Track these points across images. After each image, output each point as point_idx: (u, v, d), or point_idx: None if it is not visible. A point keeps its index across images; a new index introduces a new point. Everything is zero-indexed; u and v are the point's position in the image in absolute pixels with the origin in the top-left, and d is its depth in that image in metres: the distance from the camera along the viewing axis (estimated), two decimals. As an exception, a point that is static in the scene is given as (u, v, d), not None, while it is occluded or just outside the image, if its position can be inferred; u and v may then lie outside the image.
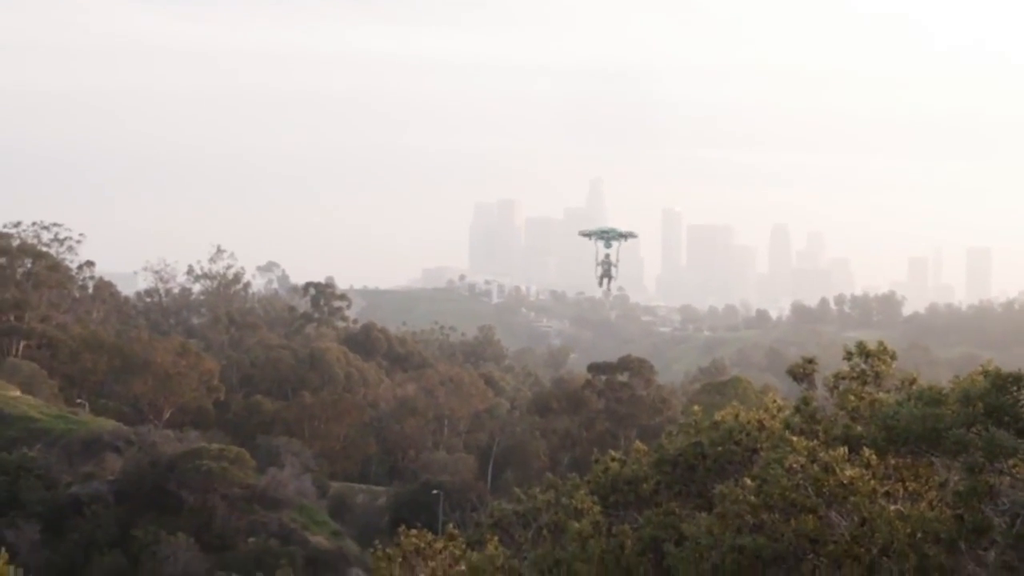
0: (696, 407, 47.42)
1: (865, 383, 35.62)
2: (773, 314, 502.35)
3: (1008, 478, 25.65)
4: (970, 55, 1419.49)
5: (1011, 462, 25.35)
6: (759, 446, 38.12)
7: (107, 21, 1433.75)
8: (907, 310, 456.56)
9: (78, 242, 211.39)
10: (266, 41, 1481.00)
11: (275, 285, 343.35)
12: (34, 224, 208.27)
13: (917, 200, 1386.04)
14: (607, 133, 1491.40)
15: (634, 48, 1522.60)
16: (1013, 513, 24.83)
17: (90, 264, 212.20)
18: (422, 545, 43.42)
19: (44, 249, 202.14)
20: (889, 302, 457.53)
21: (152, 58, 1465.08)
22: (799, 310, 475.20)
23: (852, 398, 34.97)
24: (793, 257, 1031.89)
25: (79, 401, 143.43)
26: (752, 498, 30.09)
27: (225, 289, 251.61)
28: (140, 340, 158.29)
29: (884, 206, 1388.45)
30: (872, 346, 36.12)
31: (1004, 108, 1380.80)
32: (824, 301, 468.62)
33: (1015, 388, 25.57)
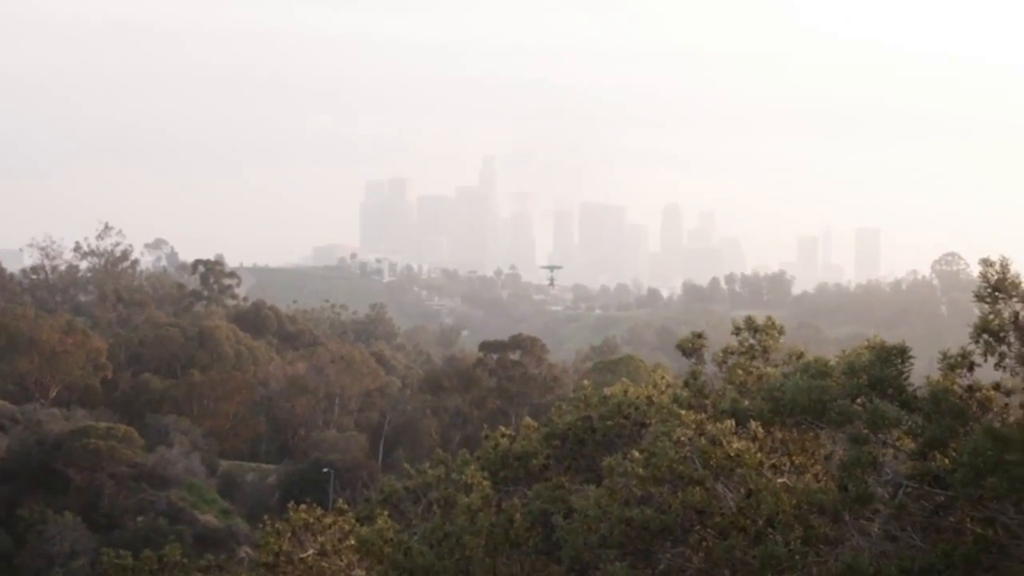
0: (586, 382, 47.60)
1: (753, 357, 35.85)
2: (665, 293, 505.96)
3: (891, 449, 25.94)
4: (863, 41, 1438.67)
5: (894, 433, 25.63)
6: (648, 420, 38.33)
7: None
8: (797, 289, 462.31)
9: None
10: (160, 14, 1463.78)
11: (164, 262, 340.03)
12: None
13: (807, 181, 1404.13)
14: (502, 113, 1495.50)
15: (531, 30, 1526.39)
16: (896, 484, 25.11)
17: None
18: (311, 520, 43.24)
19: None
20: (779, 281, 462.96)
21: (40, 30, 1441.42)
22: (690, 289, 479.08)
23: (740, 372, 35.19)
24: (685, 236, 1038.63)
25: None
26: (640, 471, 30.18)
27: (113, 266, 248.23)
28: (26, 317, 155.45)
29: (775, 186, 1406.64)
30: (760, 321, 36.41)
31: (894, 93, 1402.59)
32: (715, 280, 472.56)
33: (899, 360, 25.83)
